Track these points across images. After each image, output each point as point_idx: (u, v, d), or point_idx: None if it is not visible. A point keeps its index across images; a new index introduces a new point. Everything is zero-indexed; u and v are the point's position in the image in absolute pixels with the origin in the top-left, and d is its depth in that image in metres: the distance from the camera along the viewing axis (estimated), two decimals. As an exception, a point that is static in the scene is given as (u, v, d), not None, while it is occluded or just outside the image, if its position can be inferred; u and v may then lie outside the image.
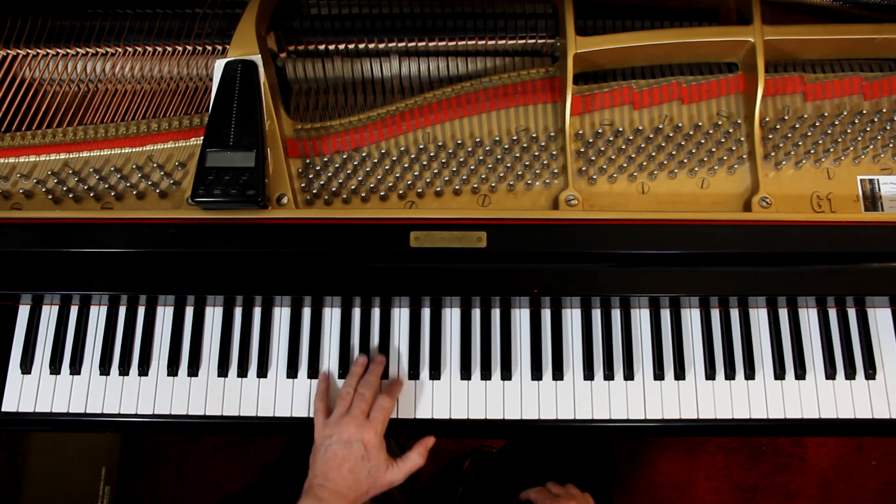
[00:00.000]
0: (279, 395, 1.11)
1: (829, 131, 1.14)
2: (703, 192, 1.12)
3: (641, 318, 1.14)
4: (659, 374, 1.11)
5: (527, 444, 1.39)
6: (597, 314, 1.15)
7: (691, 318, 1.15)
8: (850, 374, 1.12)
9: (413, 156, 1.13)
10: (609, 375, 1.12)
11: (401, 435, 1.10)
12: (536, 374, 1.11)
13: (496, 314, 1.14)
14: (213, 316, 1.15)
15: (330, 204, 1.12)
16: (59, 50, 1.18)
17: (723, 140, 1.14)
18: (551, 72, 1.17)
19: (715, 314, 1.14)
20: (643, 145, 1.14)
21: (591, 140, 1.13)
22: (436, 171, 1.13)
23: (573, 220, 1.07)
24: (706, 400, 1.11)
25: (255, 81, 1.10)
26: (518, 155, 1.13)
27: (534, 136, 1.14)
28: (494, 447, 1.93)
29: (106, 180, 1.12)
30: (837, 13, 1.19)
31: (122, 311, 1.15)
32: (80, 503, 1.74)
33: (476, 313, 1.15)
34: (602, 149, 1.14)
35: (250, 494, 1.96)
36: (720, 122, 1.15)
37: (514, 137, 1.14)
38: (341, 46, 1.19)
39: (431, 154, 1.13)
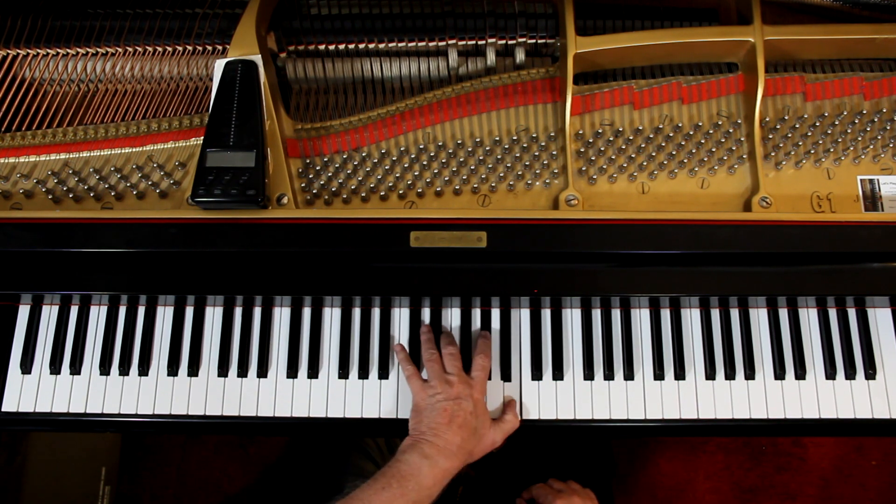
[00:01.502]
0: (279, 395, 1.11)
1: (830, 131, 1.14)
2: (703, 192, 1.12)
3: (641, 318, 1.14)
4: (659, 374, 1.11)
5: (526, 443, 1.39)
6: (597, 314, 1.14)
7: (691, 318, 1.14)
8: (851, 374, 1.11)
9: (413, 156, 1.13)
10: (609, 375, 1.12)
11: (402, 435, 1.10)
12: (536, 374, 1.11)
13: (496, 314, 1.14)
14: (213, 316, 1.15)
15: (330, 204, 1.12)
16: (59, 50, 1.18)
17: (723, 140, 1.14)
18: (551, 72, 1.17)
19: (715, 314, 1.14)
20: (643, 145, 1.14)
21: (591, 140, 1.13)
22: (436, 171, 1.13)
23: (573, 220, 1.07)
24: (706, 400, 1.11)
25: (255, 81, 1.10)
26: (518, 155, 1.13)
27: (534, 136, 1.14)
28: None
29: (106, 180, 1.12)
30: (837, 13, 1.19)
31: (122, 311, 1.15)
32: (80, 503, 1.74)
33: (476, 313, 1.15)
34: (602, 149, 1.14)
35: (250, 494, 1.95)
36: (720, 122, 1.15)
37: (515, 137, 1.14)
38: (341, 46, 1.19)
39: (431, 154, 1.13)
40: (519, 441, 1.42)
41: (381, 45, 1.18)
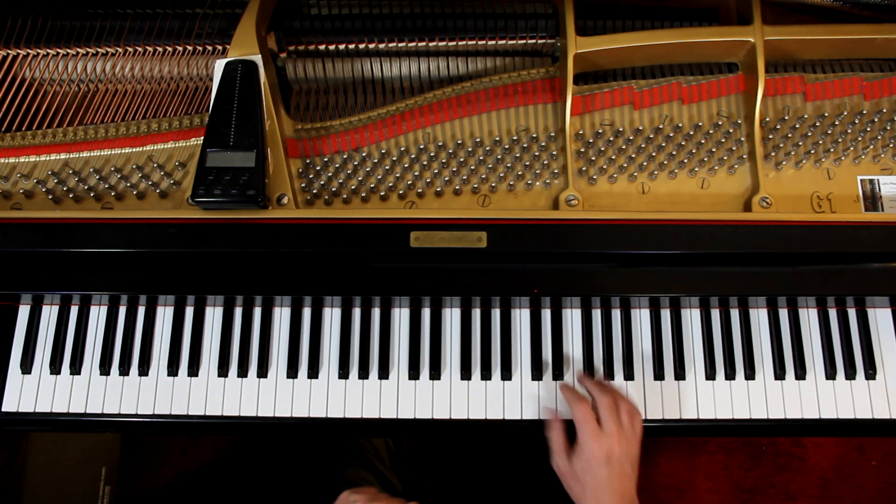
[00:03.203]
0: (279, 396, 1.11)
1: (830, 131, 1.14)
2: (703, 193, 1.12)
3: (641, 318, 1.14)
4: (659, 375, 1.11)
5: (526, 443, 1.39)
6: (597, 314, 1.14)
7: (691, 318, 1.14)
8: (851, 374, 1.11)
9: (413, 156, 1.13)
10: (609, 375, 1.12)
11: (401, 436, 1.10)
12: (537, 374, 1.11)
13: (496, 314, 1.14)
14: (213, 316, 1.15)
15: (330, 204, 1.12)
16: (59, 50, 1.18)
17: (723, 140, 1.14)
18: (551, 72, 1.17)
19: (715, 314, 1.14)
20: (643, 145, 1.14)
21: (591, 140, 1.13)
22: (436, 171, 1.13)
23: (573, 220, 1.07)
24: (706, 400, 1.11)
25: (255, 81, 1.10)
26: (518, 155, 1.13)
27: (534, 136, 1.14)
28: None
29: (106, 180, 1.12)
30: (837, 13, 1.19)
31: (122, 311, 1.15)
32: (80, 503, 1.74)
33: (476, 313, 1.15)
34: (602, 149, 1.14)
35: (247, 492, 1.95)
36: (720, 123, 1.15)
37: (515, 137, 1.14)
38: (341, 46, 1.19)
39: (431, 154, 1.13)
40: (519, 440, 1.42)
41: (381, 45, 1.18)
